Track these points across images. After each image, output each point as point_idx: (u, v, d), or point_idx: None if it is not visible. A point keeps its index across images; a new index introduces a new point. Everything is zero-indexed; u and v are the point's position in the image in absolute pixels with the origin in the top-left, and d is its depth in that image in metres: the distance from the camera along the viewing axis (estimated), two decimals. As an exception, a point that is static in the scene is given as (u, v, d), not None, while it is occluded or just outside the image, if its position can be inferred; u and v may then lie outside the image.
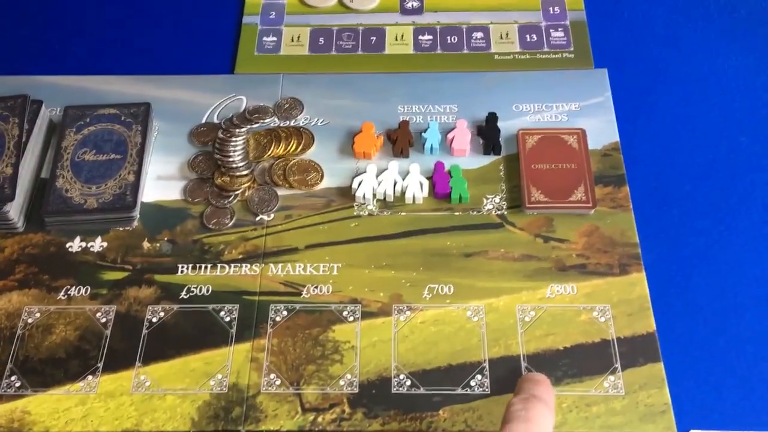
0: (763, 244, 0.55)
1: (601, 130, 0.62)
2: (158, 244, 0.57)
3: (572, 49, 0.67)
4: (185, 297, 0.54)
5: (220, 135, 0.61)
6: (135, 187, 0.57)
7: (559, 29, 0.69)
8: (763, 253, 0.55)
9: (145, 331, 0.52)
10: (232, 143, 0.60)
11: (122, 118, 0.61)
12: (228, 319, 0.53)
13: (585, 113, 0.63)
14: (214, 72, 0.66)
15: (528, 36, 0.68)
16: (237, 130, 0.61)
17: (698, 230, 0.56)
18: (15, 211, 0.56)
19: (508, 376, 0.50)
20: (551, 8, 0.70)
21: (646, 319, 0.52)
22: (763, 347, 0.51)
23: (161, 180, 0.60)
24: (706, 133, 0.62)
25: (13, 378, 0.51)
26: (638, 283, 0.54)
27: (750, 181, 0.59)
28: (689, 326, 0.52)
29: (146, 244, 0.57)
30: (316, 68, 0.67)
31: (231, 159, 0.59)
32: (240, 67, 0.67)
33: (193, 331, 0.52)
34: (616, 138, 0.61)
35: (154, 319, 0.53)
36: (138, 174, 0.58)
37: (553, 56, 0.67)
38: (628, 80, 0.65)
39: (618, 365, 0.50)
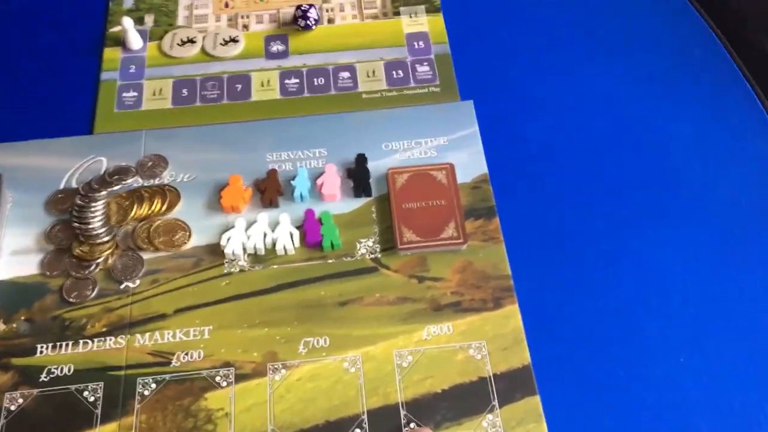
0: (631, 271, 0.57)
1: (470, 162, 0.62)
2: (14, 325, 0.53)
3: (438, 82, 0.68)
4: (45, 380, 0.51)
5: (78, 201, 0.58)
6: (-15, 266, 0.54)
7: (425, 63, 0.69)
8: (632, 280, 0.56)
9: (3, 421, 0.49)
10: (92, 209, 0.58)
11: (-30, 192, 0.57)
12: (92, 399, 0.50)
13: (453, 147, 0.63)
14: (72, 133, 0.63)
15: (395, 72, 0.69)
16: (96, 194, 0.59)
17: (569, 258, 0.57)
18: None
19: (387, 426, 0.49)
20: (416, 43, 0.71)
21: (522, 352, 0.52)
22: (636, 373, 0.52)
23: (17, 255, 0.57)
24: (572, 158, 0.63)
25: None
26: (512, 315, 0.54)
27: (618, 206, 0.60)
28: (564, 356, 0.53)
29: (2, 326, 0.53)
30: (181, 121, 0.65)
31: (90, 226, 0.57)
32: (99, 126, 0.65)
33: (55, 417, 0.50)
34: (485, 170, 0.62)
35: (13, 407, 0.50)
36: (-12, 251, 0.55)
37: (420, 91, 0.67)
38: (494, 111, 0.66)
39: (495, 402, 0.50)
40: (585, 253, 0.58)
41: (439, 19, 0.73)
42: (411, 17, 0.73)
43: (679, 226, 0.58)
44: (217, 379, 0.51)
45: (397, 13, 0.73)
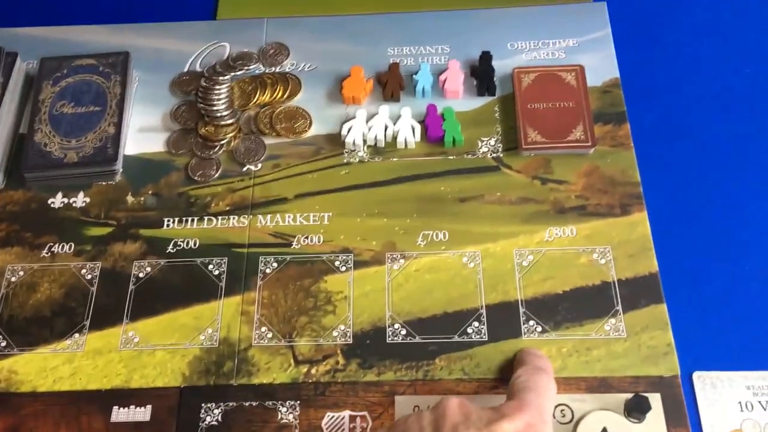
0: (766, 182, 0.53)
1: (601, 66, 0.59)
2: (143, 198, 0.55)
3: (569, -18, 0.64)
4: (172, 251, 0.52)
5: (203, 83, 0.59)
6: (116, 139, 0.55)
7: (556, -38, 0.66)
8: (765, 193, 0.53)
9: (132, 287, 0.51)
10: (216, 92, 0.58)
11: (100, 69, 0.59)
12: (217, 272, 0.51)
13: (584, 49, 0.60)
14: (196, 18, 0.64)
15: (523, -30, 0.65)
16: (220, 78, 0.59)
17: (701, 168, 0.54)
18: (-8, 167, 0.54)
19: (506, 322, 0.49)
20: (547, -60, 0.67)
21: (648, 260, 0.50)
22: (766, 288, 0.49)
23: (143, 132, 0.58)
24: (709, 68, 0.59)
25: (-2, 338, 0.49)
26: (640, 222, 0.52)
27: (754, 120, 0.56)
28: (692, 266, 0.51)
29: (130, 198, 0.55)
30: (302, 11, 0.64)
31: (215, 108, 0.57)
32: (222, 12, 0.64)
33: (181, 286, 0.51)
34: (617, 74, 0.59)
35: (141, 275, 0.52)
36: (119, 126, 0.56)
37: (550, -10, 0.64)
38: (627, 14, 0.62)
39: (619, 308, 0.49)
40: (717, 166, 0.55)
41: None
42: None
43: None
44: (336, 263, 0.51)
45: None
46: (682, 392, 0.46)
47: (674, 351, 0.47)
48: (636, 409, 0.44)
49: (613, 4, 0.62)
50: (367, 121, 0.57)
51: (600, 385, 0.46)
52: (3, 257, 0.52)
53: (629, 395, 0.45)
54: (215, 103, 0.57)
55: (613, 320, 0.48)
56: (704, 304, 0.49)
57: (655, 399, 0.45)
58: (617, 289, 0.50)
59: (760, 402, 0.46)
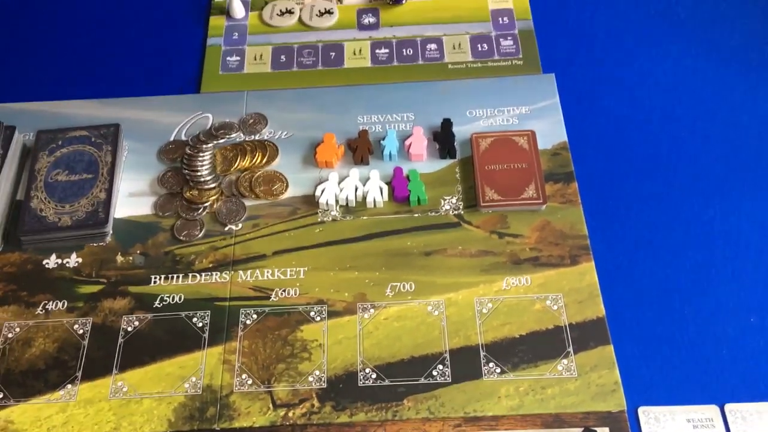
0: (701, 230, 0.59)
1: (551, 131, 0.65)
2: (131, 257, 0.59)
3: (521, 56, 0.71)
4: (159, 306, 0.57)
5: (188, 151, 0.64)
6: (107, 203, 0.60)
7: (509, 38, 0.73)
8: (702, 239, 0.59)
9: (121, 340, 0.55)
10: (200, 158, 0.63)
11: (93, 140, 0.64)
12: (200, 324, 0.56)
13: (535, 116, 0.66)
14: (181, 92, 0.69)
15: (479, 45, 0.72)
16: (204, 146, 0.64)
17: (642, 220, 0.60)
18: (-8, 232, 0.59)
19: (467, 364, 0.53)
20: (500, 19, 0.74)
21: (596, 306, 0.55)
22: (704, 328, 0.54)
23: (132, 197, 0.62)
24: (647, 130, 0.66)
25: (-5, 390, 0.53)
26: (588, 272, 0.57)
27: (690, 173, 0.62)
28: (636, 310, 0.56)
29: (119, 258, 0.59)
30: (279, 84, 0.70)
31: (199, 173, 0.62)
32: (205, 86, 0.70)
33: (167, 338, 0.55)
34: (565, 138, 0.65)
35: (129, 328, 0.55)
36: (109, 191, 0.61)
37: (504, 63, 0.71)
38: (574, 84, 0.68)
39: (570, 349, 0.54)
40: (658, 217, 0.60)
41: (523, -3, 0.76)
42: (496, -5, 0.76)
43: (750, 196, 0.60)
44: (312, 314, 0.56)
45: (482, -9, 0.77)
46: (628, 426, 0.50)
47: (621, 388, 0.52)
48: (587, 442, 0.49)
49: (561, 75, 0.69)
50: (339, 183, 0.62)
51: (554, 421, 0.51)
52: (1, 315, 0.56)
53: (580, 429, 0.50)
54: (199, 168, 0.62)
55: (565, 361, 0.53)
56: (647, 344, 0.54)
57: (603, 433, 0.50)
58: (568, 333, 0.54)
59: (699, 433, 0.50)
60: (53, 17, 0.75)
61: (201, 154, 0.63)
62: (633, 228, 0.60)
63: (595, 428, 0.49)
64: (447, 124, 0.66)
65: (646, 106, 0.67)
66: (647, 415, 0.51)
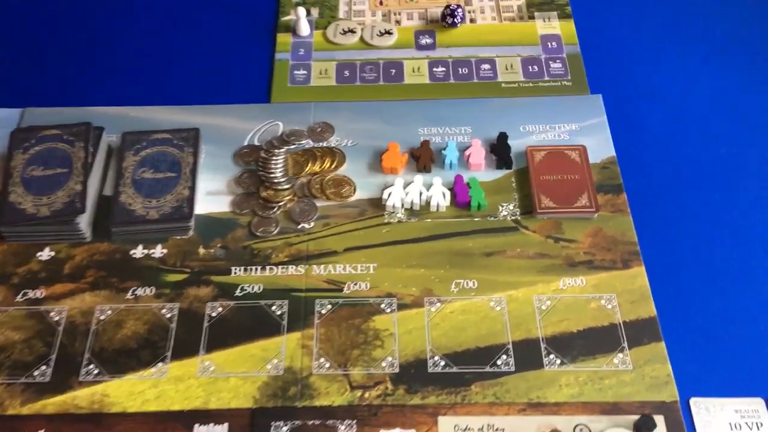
0: (743, 235, 0.64)
1: (599, 146, 0.70)
2: (212, 250, 0.63)
3: (570, 77, 0.76)
4: (239, 295, 0.61)
5: (263, 155, 0.69)
6: (190, 200, 0.65)
7: (557, 61, 0.78)
8: (744, 243, 0.63)
9: (206, 324, 0.59)
10: (273, 161, 0.68)
11: (175, 142, 0.68)
12: (279, 312, 0.60)
13: (584, 132, 0.71)
14: (254, 102, 0.74)
15: (530, 67, 0.77)
16: (277, 151, 0.69)
17: (687, 228, 0.64)
18: (84, 222, 0.63)
19: (529, 355, 0.57)
20: (549, 43, 0.80)
21: (648, 306, 0.60)
22: (749, 323, 0.58)
23: (211, 195, 0.67)
24: (689, 144, 0.71)
25: (91, 366, 0.57)
26: (639, 275, 0.62)
27: (730, 183, 0.67)
28: (685, 310, 0.60)
29: (201, 250, 0.64)
30: (343, 97, 0.75)
31: (273, 175, 0.67)
32: (275, 97, 0.75)
33: (248, 323, 0.59)
34: (613, 153, 0.70)
35: (213, 314, 0.60)
36: (192, 189, 0.65)
37: (554, 84, 0.76)
38: (620, 103, 0.73)
39: (625, 344, 0.58)
40: (702, 225, 0.65)
41: (570, 24, 0.81)
42: (545, 21, 0.82)
43: (792, 210, 0.65)
44: (382, 306, 0.60)
45: (531, 17, 0.82)
46: (681, 415, 0.54)
47: (673, 380, 0.56)
48: (644, 428, 0.53)
49: (607, 95, 0.74)
50: (404, 188, 0.67)
51: (612, 409, 0.55)
52: (92, 299, 0.60)
53: (637, 416, 0.53)
54: (273, 171, 0.67)
55: (620, 355, 0.57)
56: (697, 342, 0.58)
57: (659, 420, 0.54)
58: (623, 329, 0.58)
59: (747, 423, 0.54)
60: (140, 32, 0.81)
61: (275, 158, 0.68)
62: (679, 235, 0.64)
63: (652, 415, 0.53)
64: (503, 137, 0.71)
65: (687, 122, 0.72)
66: (698, 405, 0.55)
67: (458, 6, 0.80)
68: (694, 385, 0.56)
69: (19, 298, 0.60)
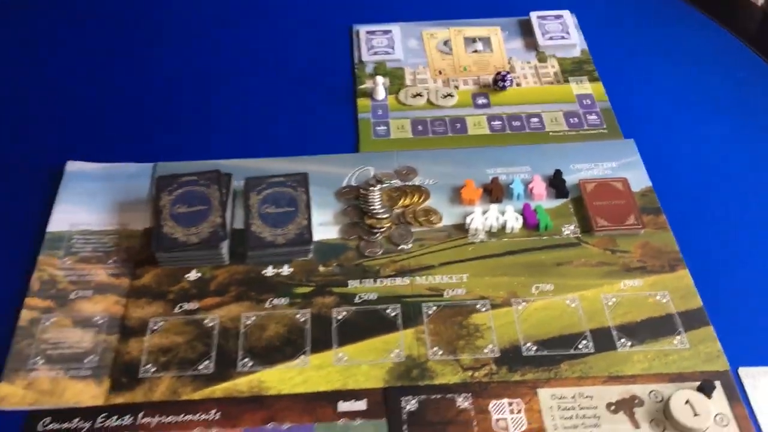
0: (761, 231, 0.78)
1: (637, 178, 0.85)
2: (330, 268, 0.76)
3: (605, 126, 0.92)
4: (358, 302, 0.73)
5: (362, 192, 0.83)
6: (309, 228, 0.78)
7: (593, 114, 0.94)
8: (762, 238, 0.78)
9: (335, 325, 0.71)
10: (372, 197, 0.82)
11: (288, 183, 0.82)
12: (393, 314, 0.72)
13: (623, 168, 0.86)
14: (346, 152, 0.89)
15: (571, 119, 0.93)
16: (372, 188, 0.83)
17: (720, 236, 0.79)
18: (225, 248, 0.76)
19: (604, 340, 0.70)
20: (584, 101, 0.96)
21: (695, 299, 0.73)
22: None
23: (323, 225, 0.80)
24: (710, 169, 0.86)
25: (246, 360, 0.69)
26: (684, 276, 0.75)
27: (744, 192, 0.83)
28: (726, 301, 0.73)
29: (321, 268, 0.77)
30: (419, 146, 0.90)
31: (374, 207, 0.81)
32: (363, 147, 0.90)
33: (369, 323, 0.71)
34: (649, 183, 0.84)
35: (339, 317, 0.72)
36: (309, 220, 0.79)
37: (592, 132, 0.91)
38: (649, 145, 0.89)
39: (681, 329, 0.71)
40: (732, 233, 0.79)
41: (599, 85, 0.98)
42: (578, 84, 0.98)
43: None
44: (478, 306, 0.73)
45: (566, 81, 0.99)
46: (733, 380, 0.67)
47: (723, 355, 0.68)
48: (705, 389, 0.65)
49: (638, 139, 0.89)
50: (482, 214, 0.81)
51: (677, 377, 0.67)
52: (238, 308, 0.73)
53: (698, 383, 0.66)
54: (374, 204, 0.81)
55: (678, 337, 0.70)
56: (739, 322, 0.71)
57: (717, 384, 0.66)
58: (678, 318, 0.71)
59: (787, 386, 0.67)
60: (245, 99, 0.96)
61: (372, 194, 0.82)
62: (712, 242, 0.78)
63: (710, 380, 0.66)
64: (558, 173, 0.85)
65: (706, 152, 0.87)
66: (746, 373, 0.67)
67: (507, 72, 0.97)
68: (741, 357, 0.68)
69: (176, 310, 0.73)
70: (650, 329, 0.71)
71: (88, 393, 0.66)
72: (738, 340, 0.70)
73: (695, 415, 0.63)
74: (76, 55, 1.02)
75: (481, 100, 0.96)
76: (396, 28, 1.06)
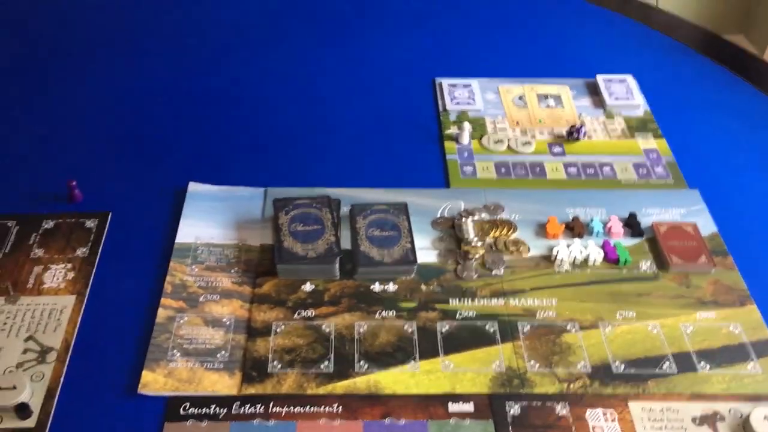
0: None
1: (704, 225, 0.93)
2: (431, 287, 0.84)
3: (671, 178, 1.01)
4: (459, 318, 0.81)
5: (456, 221, 0.91)
6: (413, 250, 0.86)
7: (659, 166, 1.03)
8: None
9: (440, 336, 0.79)
10: (466, 227, 0.91)
11: (390, 211, 0.91)
12: (491, 330, 0.80)
13: (691, 215, 0.95)
14: (438, 187, 0.98)
15: (640, 170, 1.02)
16: (465, 219, 0.92)
17: (785, 280, 0.87)
18: (336, 264, 0.84)
19: (685, 363, 0.77)
20: (650, 155, 1.05)
21: (764, 331, 0.80)
22: None
23: (422, 250, 0.89)
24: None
25: (362, 362, 0.76)
26: (753, 311, 0.83)
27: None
28: (794, 335, 0.80)
29: (423, 287, 0.84)
30: (503, 186, 0.99)
31: (467, 236, 0.89)
32: (453, 184, 0.99)
33: (471, 337, 0.79)
34: (715, 229, 0.93)
35: (443, 330, 0.80)
36: (412, 243, 0.87)
37: (660, 181, 1.00)
38: (712, 194, 0.98)
39: (754, 357, 0.78)
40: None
41: (663, 141, 1.08)
42: (643, 139, 1.08)
43: None
44: (568, 327, 0.80)
45: (633, 136, 1.09)
46: (805, 404, 0.74)
47: (795, 381, 0.76)
48: (782, 409, 0.72)
49: (702, 189, 0.98)
50: (567, 247, 0.89)
51: (754, 398, 0.74)
52: (351, 318, 0.80)
53: (774, 404, 0.73)
54: (468, 233, 0.90)
55: (752, 363, 0.77)
56: (806, 356, 0.78)
57: (790, 406, 0.73)
58: (750, 347, 0.79)
59: None
60: (351, 136, 1.06)
61: (465, 225, 0.91)
62: (778, 285, 0.86)
63: (786, 401, 0.72)
64: (633, 215, 0.94)
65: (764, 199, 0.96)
66: (817, 398, 0.74)
67: (582, 125, 1.07)
68: (811, 384, 0.75)
69: (296, 316, 0.80)
70: (726, 355, 0.78)
71: (223, 383, 0.74)
72: (807, 368, 0.77)
73: (773, 430, 0.70)
74: (197, 93, 1.13)
75: (556, 149, 1.06)
76: (474, 83, 1.17)
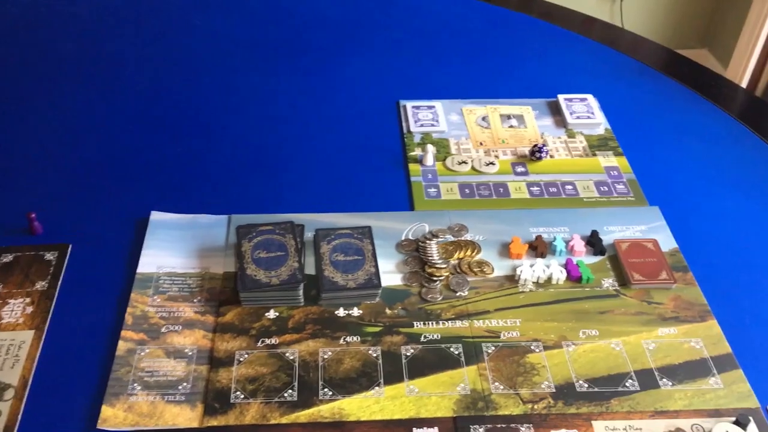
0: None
1: (664, 241, 0.95)
2: (395, 311, 0.84)
3: (632, 195, 1.03)
4: (424, 341, 0.81)
5: (420, 244, 0.92)
6: (376, 274, 0.86)
7: (620, 184, 1.05)
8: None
9: (404, 360, 0.79)
10: (430, 249, 0.91)
11: (354, 235, 0.91)
12: (456, 352, 0.80)
13: (651, 231, 0.96)
14: (402, 210, 0.98)
15: (601, 187, 1.04)
16: (429, 242, 0.92)
17: (742, 288, 0.88)
18: (300, 290, 0.84)
19: (647, 379, 0.78)
20: (611, 172, 1.07)
21: (724, 345, 0.81)
22: (803, 354, 0.81)
23: (386, 273, 0.89)
24: (730, 235, 0.96)
25: (326, 390, 0.76)
26: (713, 326, 0.84)
27: (761, 254, 0.92)
28: (752, 346, 0.81)
29: (388, 311, 0.84)
30: (468, 207, 1.00)
31: (433, 258, 0.90)
32: (417, 206, 0.99)
33: (435, 360, 0.79)
34: (675, 245, 0.94)
35: (408, 353, 0.80)
36: (376, 267, 0.87)
37: (621, 199, 1.02)
38: (673, 211, 0.99)
39: (715, 371, 0.79)
40: (752, 284, 0.88)
41: (623, 159, 1.09)
42: (604, 157, 1.10)
43: (815, 280, 0.89)
44: (532, 347, 0.81)
45: (594, 155, 1.10)
46: (764, 416, 0.74)
47: (753, 394, 0.76)
48: (742, 423, 0.73)
49: (662, 206, 1.00)
50: (530, 267, 0.90)
51: (715, 413, 0.75)
52: (315, 344, 0.80)
53: (734, 417, 0.74)
54: (432, 255, 0.90)
55: (713, 378, 0.78)
56: (765, 366, 0.79)
57: (750, 419, 0.74)
58: (711, 362, 0.80)
59: (814, 423, 0.74)
60: (314, 162, 1.06)
61: (429, 247, 0.91)
62: (736, 296, 0.87)
63: (746, 414, 0.73)
64: (595, 233, 0.95)
65: (725, 219, 0.98)
66: (776, 411, 0.75)
67: (544, 144, 1.08)
68: (770, 397, 0.77)
69: (259, 344, 0.80)
70: (688, 371, 0.79)
71: (184, 416, 0.73)
72: (765, 380, 0.78)
73: (735, 445, 0.71)
74: (158, 121, 1.13)
75: (519, 169, 1.07)
76: (438, 104, 1.18)
